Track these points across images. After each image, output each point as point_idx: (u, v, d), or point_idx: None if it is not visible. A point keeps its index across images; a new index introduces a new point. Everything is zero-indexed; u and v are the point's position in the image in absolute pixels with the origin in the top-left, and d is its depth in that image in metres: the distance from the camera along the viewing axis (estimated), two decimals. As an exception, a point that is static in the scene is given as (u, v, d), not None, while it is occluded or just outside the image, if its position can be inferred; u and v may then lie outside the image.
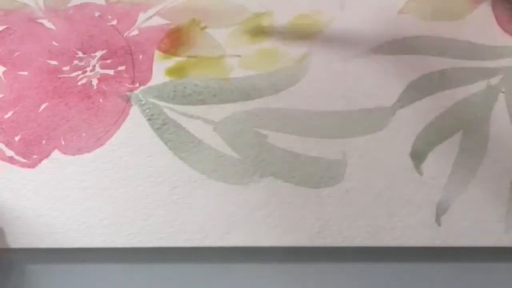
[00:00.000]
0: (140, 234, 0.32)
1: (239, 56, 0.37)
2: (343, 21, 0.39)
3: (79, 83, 0.37)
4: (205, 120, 0.35)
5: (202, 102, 0.35)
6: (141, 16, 0.40)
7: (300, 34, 0.38)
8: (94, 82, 0.37)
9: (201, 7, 0.40)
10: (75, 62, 0.38)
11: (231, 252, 0.32)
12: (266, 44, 0.38)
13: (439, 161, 0.33)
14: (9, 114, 0.36)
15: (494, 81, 0.35)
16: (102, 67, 0.38)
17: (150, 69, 0.37)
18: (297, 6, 0.40)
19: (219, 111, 0.35)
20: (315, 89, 0.36)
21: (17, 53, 0.39)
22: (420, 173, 0.33)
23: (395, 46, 0.37)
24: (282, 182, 0.33)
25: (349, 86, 0.36)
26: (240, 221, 0.32)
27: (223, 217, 0.32)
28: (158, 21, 0.40)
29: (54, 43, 0.39)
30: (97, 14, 0.40)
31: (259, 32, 0.38)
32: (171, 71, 0.37)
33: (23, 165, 0.34)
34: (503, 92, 0.35)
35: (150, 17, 0.40)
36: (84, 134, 0.35)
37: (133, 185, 0.33)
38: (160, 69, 0.37)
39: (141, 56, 0.38)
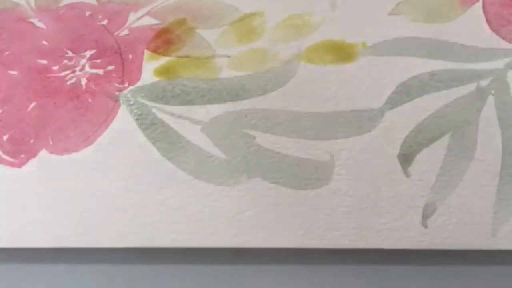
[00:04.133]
0: (126, 234, 0.32)
1: (229, 56, 0.37)
2: (334, 22, 0.39)
3: (68, 83, 0.37)
4: (193, 121, 0.35)
5: (191, 102, 0.35)
6: (132, 16, 0.40)
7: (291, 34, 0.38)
8: (83, 81, 0.37)
9: (192, 7, 0.40)
10: (65, 61, 0.38)
11: (217, 253, 0.32)
12: (256, 44, 0.38)
13: (427, 163, 0.33)
14: (-2, 113, 0.36)
15: (483, 83, 0.35)
16: (91, 67, 0.37)
17: (139, 69, 0.37)
18: (288, 6, 0.40)
19: (207, 112, 0.35)
20: (303, 90, 0.36)
21: (7, 53, 0.39)
22: (408, 175, 0.33)
23: (385, 48, 0.37)
24: (269, 184, 0.32)
25: (338, 87, 0.36)
26: (226, 222, 0.32)
27: (210, 218, 0.32)
28: (148, 21, 0.40)
29: (44, 42, 0.39)
30: (88, 13, 0.40)
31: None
32: (160, 71, 0.37)
33: (10, 164, 0.34)
34: (492, 94, 0.35)
35: (141, 17, 0.40)
36: (72, 134, 0.35)
37: (120, 185, 0.33)
38: (149, 69, 0.37)
39: (130, 56, 0.38)
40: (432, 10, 0.39)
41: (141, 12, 0.40)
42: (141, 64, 0.38)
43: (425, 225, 0.31)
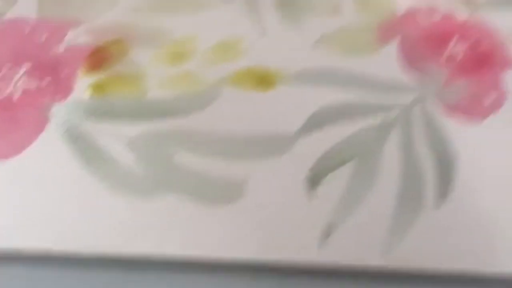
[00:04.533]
0: (46, 242, 0.34)
1: (159, 77, 0.40)
2: (261, 48, 0.41)
3: (2, 94, 0.39)
4: (119, 137, 0.37)
5: (118, 119, 0.38)
6: (70, 34, 0.42)
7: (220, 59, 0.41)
8: (17, 94, 0.39)
9: (129, 27, 0.42)
10: (1, 73, 0.40)
11: (131, 263, 0.34)
12: (186, 67, 0.40)
13: (331, 188, 0.36)
14: None
15: (389, 116, 0.38)
16: (26, 80, 0.39)
17: (72, 85, 0.39)
18: (220, 31, 0.42)
19: (133, 129, 0.37)
20: (225, 114, 0.38)
21: None
22: (313, 197, 0.35)
23: (304, 77, 0.40)
24: (183, 199, 0.35)
25: (256, 112, 0.38)
26: (140, 233, 0.34)
27: (124, 229, 0.34)
28: (85, 38, 0.42)
29: (-16, 53, 0.41)
30: (27, 29, 0.42)
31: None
32: (92, 88, 0.39)
33: None
34: (397, 128, 0.38)
35: (78, 34, 0.42)
36: (1, 144, 0.37)
37: (42, 196, 0.35)
38: (82, 85, 0.39)
39: (65, 72, 0.40)
40: (352, 43, 0.42)
41: (79, 29, 0.42)
42: (75, 80, 0.40)
43: (323, 245, 0.34)
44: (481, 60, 0.41)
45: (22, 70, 0.40)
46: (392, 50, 0.42)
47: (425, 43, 0.42)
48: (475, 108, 0.39)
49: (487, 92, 0.40)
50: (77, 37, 0.42)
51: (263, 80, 0.40)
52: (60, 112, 0.38)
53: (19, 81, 0.39)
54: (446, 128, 0.38)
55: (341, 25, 0.43)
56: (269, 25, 0.43)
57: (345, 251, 0.34)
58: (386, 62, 0.41)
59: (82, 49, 0.41)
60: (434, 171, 0.36)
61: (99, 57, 0.41)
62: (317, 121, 0.38)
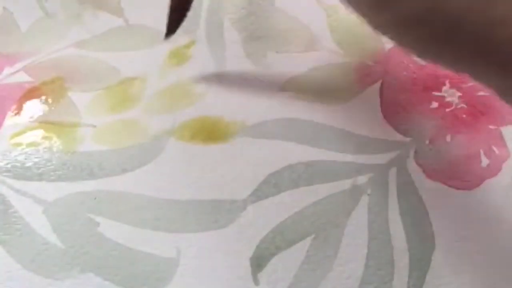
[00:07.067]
0: None
1: (94, 126, 0.34)
2: (218, 95, 0.36)
3: None
4: (37, 200, 0.32)
5: (40, 178, 0.32)
6: (6, 70, 0.37)
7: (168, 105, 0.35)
8: None
9: (71, 65, 0.37)
10: None
11: None
12: (128, 114, 0.35)
13: (280, 270, 0.30)
14: None
15: (361, 180, 0.32)
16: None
17: (-4, 131, 0.34)
18: (174, 73, 0.37)
19: (55, 190, 0.32)
20: (165, 173, 0.33)
21: None
22: (257, 282, 0.29)
23: (265, 129, 0.34)
24: (102, 280, 0.29)
25: (203, 171, 0.33)
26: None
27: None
28: (21, 77, 0.37)
29: None
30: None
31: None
32: (17, 138, 0.34)
33: None
34: (368, 194, 0.32)
35: (15, 72, 0.37)
36: None
37: None
38: (7, 134, 0.34)
39: (-9, 117, 0.35)
40: (325, 88, 0.36)
41: (16, 66, 0.37)
42: (1, 124, 0.35)
43: None
44: (478, 111, 0.34)
45: None
46: (371, 96, 0.35)
47: (411, 88, 0.35)
48: (466, 173, 0.33)
49: (482, 151, 0.33)
50: (13, 75, 0.37)
51: (216, 132, 0.34)
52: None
53: None
54: (428, 198, 0.31)
55: (315, 65, 0.37)
56: (231, 63, 0.37)
57: None
58: (363, 111, 0.35)
59: (15, 90, 0.36)
60: (408, 257, 0.30)
61: (31, 101, 0.36)
62: (273, 185, 0.32)
